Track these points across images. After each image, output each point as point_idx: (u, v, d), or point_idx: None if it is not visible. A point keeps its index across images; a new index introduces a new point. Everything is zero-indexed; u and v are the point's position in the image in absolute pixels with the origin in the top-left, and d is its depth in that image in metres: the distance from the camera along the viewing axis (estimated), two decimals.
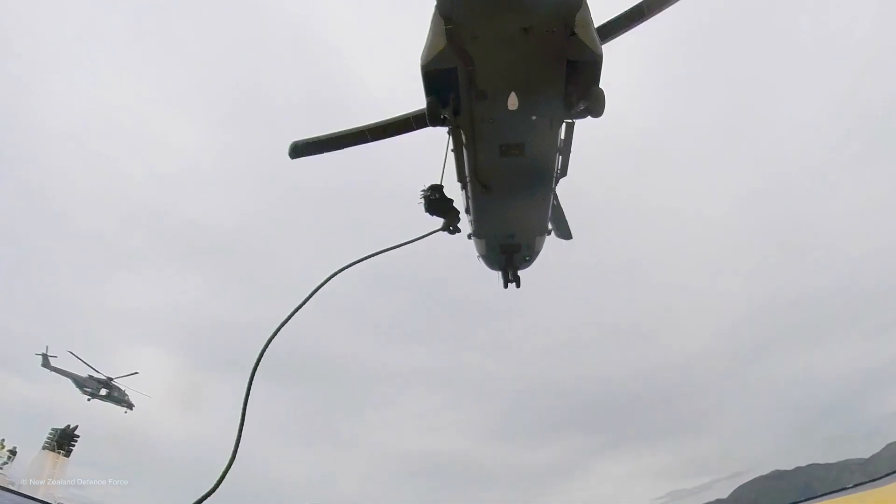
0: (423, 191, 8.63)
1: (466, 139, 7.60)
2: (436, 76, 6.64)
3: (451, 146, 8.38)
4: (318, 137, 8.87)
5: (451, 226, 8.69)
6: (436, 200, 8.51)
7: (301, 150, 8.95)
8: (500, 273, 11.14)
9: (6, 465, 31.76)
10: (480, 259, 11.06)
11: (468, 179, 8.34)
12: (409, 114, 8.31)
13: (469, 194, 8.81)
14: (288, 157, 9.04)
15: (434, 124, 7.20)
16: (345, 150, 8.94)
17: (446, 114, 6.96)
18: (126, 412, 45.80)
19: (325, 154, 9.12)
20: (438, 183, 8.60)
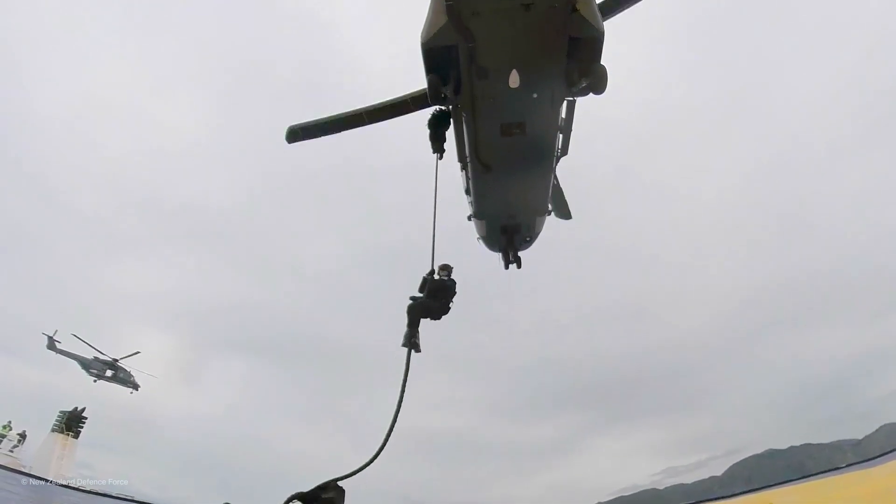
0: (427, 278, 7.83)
1: (467, 118, 7.55)
2: (436, 54, 6.55)
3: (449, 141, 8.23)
4: (316, 121, 8.72)
5: (414, 341, 7.46)
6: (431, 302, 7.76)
7: (299, 134, 8.79)
8: (500, 254, 11.18)
9: (17, 448, 32.31)
10: (480, 241, 11.07)
11: (468, 159, 8.32)
12: (407, 95, 8.20)
13: (469, 174, 8.79)
14: (285, 142, 8.90)
15: (435, 103, 7.15)
16: (343, 132, 8.84)
17: (447, 92, 6.90)
18: (132, 392, 46.47)
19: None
20: (435, 266, 7.84)
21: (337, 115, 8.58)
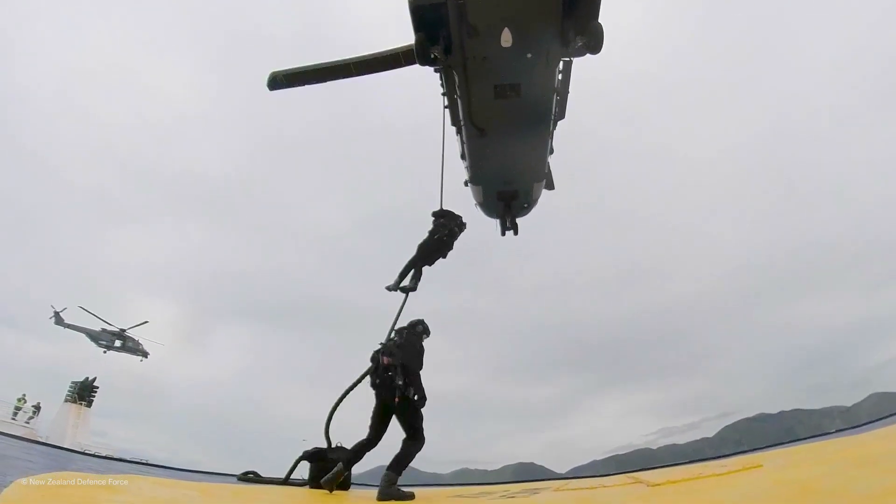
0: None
1: (459, 79, 7.38)
2: (424, 12, 6.35)
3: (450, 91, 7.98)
4: (299, 68, 8.32)
5: None
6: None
7: (280, 81, 8.40)
8: (497, 220, 11.16)
9: (32, 420, 33.38)
10: (478, 207, 11.03)
11: (462, 123, 8.18)
12: (399, 48, 7.75)
13: (464, 138, 8.66)
14: (266, 88, 8.46)
15: (424, 64, 6.97)
16: (329, 83, 8.36)
17: (437, 52, 6.72)
18: (141, 360, 47.59)
19: (320, 98, 8.91)
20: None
21: (322, 64, 8.20)
